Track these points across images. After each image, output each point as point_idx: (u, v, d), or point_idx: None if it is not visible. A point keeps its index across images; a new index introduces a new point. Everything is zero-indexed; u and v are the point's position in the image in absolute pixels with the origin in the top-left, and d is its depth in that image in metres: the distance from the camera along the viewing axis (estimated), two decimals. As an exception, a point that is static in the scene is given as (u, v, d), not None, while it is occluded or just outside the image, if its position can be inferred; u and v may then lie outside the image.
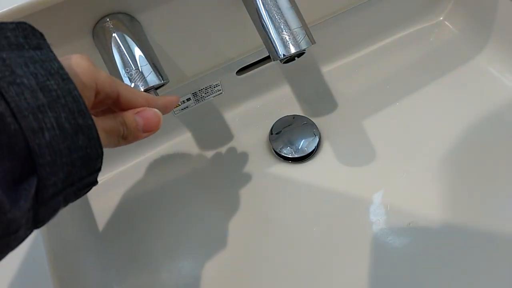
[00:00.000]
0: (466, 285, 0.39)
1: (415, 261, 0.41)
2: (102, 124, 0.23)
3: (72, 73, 0.21)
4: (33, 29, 0.21)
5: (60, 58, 0.21)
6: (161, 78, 0.33)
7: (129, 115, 0.25)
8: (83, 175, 0.20)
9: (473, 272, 0.40)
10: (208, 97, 0.49)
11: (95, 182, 0.22)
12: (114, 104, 0.25)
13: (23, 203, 0.18)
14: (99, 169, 0.21)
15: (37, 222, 0.20)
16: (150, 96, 0.28)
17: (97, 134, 0.20)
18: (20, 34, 0.20)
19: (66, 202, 0.21)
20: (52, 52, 0.21)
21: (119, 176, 0.50)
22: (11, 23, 0.20)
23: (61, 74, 0.20)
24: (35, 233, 0.36)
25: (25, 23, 0.20)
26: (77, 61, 0.22)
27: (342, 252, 0.43)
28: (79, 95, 0.20)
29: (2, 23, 0.19)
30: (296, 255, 0.43)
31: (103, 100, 0.24)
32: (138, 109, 0.26)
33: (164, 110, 0.29)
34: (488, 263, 0.40)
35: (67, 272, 0.38)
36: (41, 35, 0.21)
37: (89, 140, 0.20)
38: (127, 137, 0.25)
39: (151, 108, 0.27)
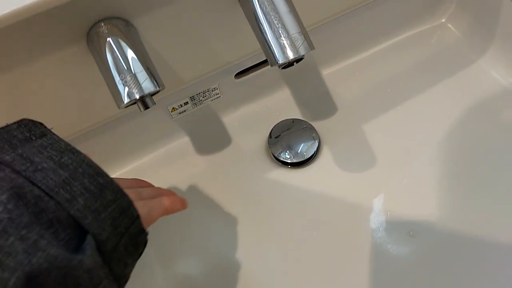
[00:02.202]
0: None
1: (415, 269, 0.41)
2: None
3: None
4: (33, 122, 0.25)
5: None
6: (156, 85, 0.32)
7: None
8: (127, 224, 0.24)
9: (474, 281, 0.39)
10: (206, 100, 0.49)
11: (143, 230, 0.26)
12: None
13: (90, 252, 0.21)
14: (138, 216, 0.25)
15: (117, 278, 0.23)
16: None
17: (119, 186, 0.24)
18: (24, 130, 0.24)
19: (129, 254, 0.25)
20: (55, 134, 0.25)
21: (116, 180, 0.49)
22: (14, 123, 0.24)
23: (70, 149, 0.23)
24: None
25: (24, 120, 0.25)
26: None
27: (341, 260, 0.42)
28: (90, 160, 0.24)
29: (7, 126, 0.24)
30: (294, 260, 0.43)
31: None
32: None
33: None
34: (490, 272, 0.40)
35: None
36: (41, 124, 0.25)
37: (115, 193, 0.23)
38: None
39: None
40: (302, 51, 0.33)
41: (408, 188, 0.45)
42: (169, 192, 0.36)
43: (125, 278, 0.25)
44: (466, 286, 0.39)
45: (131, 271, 0.25)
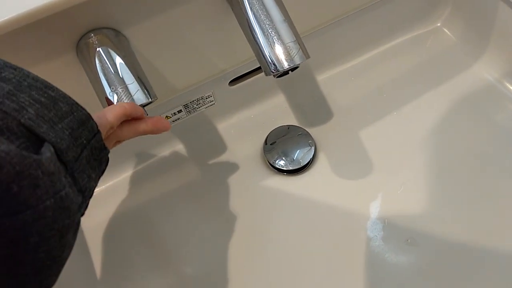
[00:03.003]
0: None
1: (414, 278, 0.40)
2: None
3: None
4: None
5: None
6: (148, 96, 0.32)
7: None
8: (88, 136, 0.23)
9: (473, 289, 0.39)
10: (200, 108, 0.48)
11: (104, 147, 0.24)
12: None
13: (48, 154, 0.19)
14: (98, 131, 0.24)
15: (81, 190, 0.22)
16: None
17: (74, 100, 0.22)
18: None
19: (92, 168, 0.23)
20: None
21: (109, 190, 0.48)
22: None
23: (11, 66, 0.21)
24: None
25: None
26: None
27: (337, 268, 0.42)
28: (36, 75, 0.21)
29: None
30: (290, 269, 0.42)
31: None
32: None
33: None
34: (490, 279, 0.39)
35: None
36: None
37: (70, 106, 0.22)
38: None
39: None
40: (297, 60, 0.33)
41: (406, 195, 0.45)
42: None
43: (89, 192, 0.23)
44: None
45: (94, 187, 0.24)
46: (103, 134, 0.26)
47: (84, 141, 0.22)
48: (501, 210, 0.43)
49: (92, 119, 0.23)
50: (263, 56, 0.33)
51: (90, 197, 0.24)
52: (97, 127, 0.24)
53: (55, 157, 0.20)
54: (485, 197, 0.44)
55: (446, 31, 0.55)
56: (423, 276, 0.40)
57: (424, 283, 0.40)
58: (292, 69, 0.35)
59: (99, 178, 0.25)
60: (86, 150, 0.23)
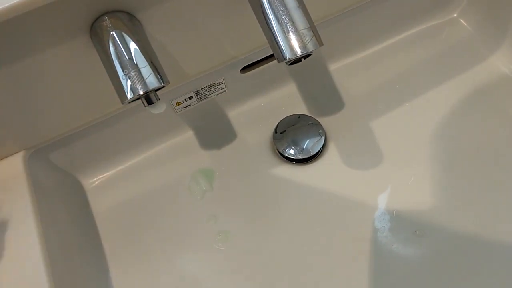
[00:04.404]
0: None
1: (421, 270, 0.40)
2: None
3: None
4: None
5: None
6: (161, 80, 0.32)
7: None
8: None
9: (482, 281, 0.39)
10: (211, 95, 0.48)
11: None
12: None
13: None
14: None
15: None
16: None
17: None
18: None
19: None
20: None
21: (119, 175, 0.49)
22: None
23: None
24: (31, 233, 0.36)
25: None
26: None
27: (345, 258, 0.42)
28: None
29: None
30: (298, 258, 0.42)
31: None
32: None
33: None
34: (498, 272, 0.39)
35: (65, 272, 0.37)
36: None
37: None
38: None
39: None
40: (310, 48, 0.32)
41: (415, 187, 0.44)
42: None
43: None
44: (473, 286, 0.39)
45: None
46: None
47: None
48: (510, 204, 0.42)
49: None
50: (276, 43, 0.33)
51: None
52: None
53: None
54: (495, 190, 0.43)
55: (463, 22, 0.54)
56: (430, 267, 0.40)
57: (431, 274, 0.40)
58: (305, 57, 0.35)
59: None
60: None
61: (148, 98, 0.33)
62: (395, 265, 0.40)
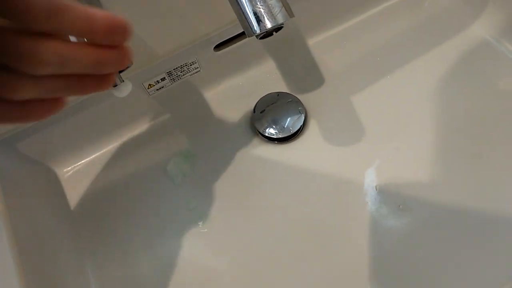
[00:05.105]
0: (457, 267, 0.38)
1: (407, 244, 0.39)
2: None
3: None
4: None
5: None
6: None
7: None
8: None
9: (469, 254, 0.38)
10: (185, 75, 0.46)
11: None
12: None
13: None
14: None
15: None
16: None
17: None
18: None
19: None
20: None
21: (94, 162, 0.47)
22: None
23: None
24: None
25: None
26: None
27: (331, 236, 0.41)
28: None
29: None
30: (282, 238, 0.41)
31: None
32: None
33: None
34: (484, 243, 0.39)
35: (39, 266, 0.36)
36: None
37: None
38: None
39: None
40: (280, 19, 0.31)
41: (399, 160, 0.43)
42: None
43: None
44: (458, 259, 0.38)
45: None
46: None
47: None
48: (496, 173, 0.41)
49: None
50: (244, 16, 0.31)
51: None
52: None
53: None
54: (480, 162, 0.42)
55: (444, -11, 0.52)
56: (417, 240, 0.39)
57: (418, 247, 0.39)
58: (276, 30, 0.33)
59: None
60: None
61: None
62: (381, 240, 0.40)
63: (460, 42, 0.49)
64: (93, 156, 0.47)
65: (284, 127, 0.46)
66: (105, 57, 0.18)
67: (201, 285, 0.40)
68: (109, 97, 0.43)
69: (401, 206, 0.41)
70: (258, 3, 0.31)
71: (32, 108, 0.19)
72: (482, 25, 0.49)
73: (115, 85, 0.31)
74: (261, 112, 0.47)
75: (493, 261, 0.37)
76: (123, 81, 0.31)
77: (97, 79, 0.19)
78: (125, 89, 0.32)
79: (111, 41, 0.18)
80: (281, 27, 0.32)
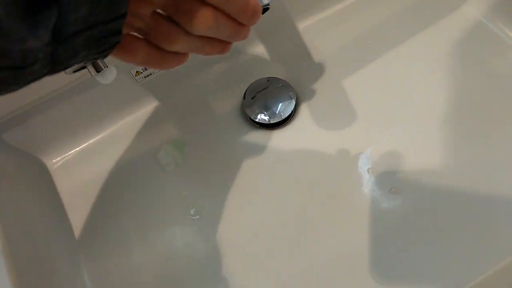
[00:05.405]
0: (446, 246, 0.38)
1: (400, 227, 0.39)
2: None
3: None
4: None
5: None
6: None
7: None
8: (107, 19, 0.18)
9: (461, 235, 0.38)
10: (173, 62, 0.45)
11: (119, 33, 0.19)
12: None
13: (42, 32, 0.16)
14: (124, 15, 0.18)
15: (56, 62, 0.18)
16: None
17: None
18: None
19: (87, 48, 0.19)
20: None
21: (84, 152, 0.47)
22: None
23: None
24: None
25: None
26: None
27: (323, 219, 0.41)
28: None
29: None
30: (275, 224, 0.41)
31: None
32: None
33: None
34: (472, 224, 0.39)
35: (30, 261, 0.36)
36: None
37: None
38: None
39: None
40: (265, 0, 0.30)
41: (392, 144, 0.43)
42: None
43: (65, 65, 0.19)
44: (448, 240, 0.38)
45: (78, 62, 0.20)
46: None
47: (98, 21, 0.18)
48: (488, 155, 0.41)
49: (127, 4, 0.18)
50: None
51: (63, 69, 0.20)
52: (125, 11, 0.18)
53: (49, 33, 0.16)
54: (474, 143, 0.42)
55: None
56: (410, 223, 0.39)
57: (412, 229, 0.39)
58: (263, 12, 0.32)
59: (89, 59, 0.20)
60: (92, 30, 0.18)
61: (95, 65, 0.30)
62: (375, 223, 0.40)
63: (451, 23, 0.49)
64: (83, 146, 0.47)
65: (275, 112, 0.45)
66: (240, 31, 0.24)
67: (194, 272, 0.40)
68: (96, 85, 0.42)
69: (393, 189, 0.41)
70: (243, -17, 0.30)
71: (171, 58, 0.24)
72: (473, 4, 0.49)
73: (99, 71, 0.30)
74: (252, 98, 0.46)
75: (486, 240, 0.37)
76: (107, 66, 0.30)
77: (222, 45, 0.25)
78: (109, 75, 0.31)
79: (250, 22, 0.24)
80: (267, 9, 0.32)
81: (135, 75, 0.43)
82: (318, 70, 0.48)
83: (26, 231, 0.38)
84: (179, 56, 0.24)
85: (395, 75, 0.47)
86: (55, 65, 0.18)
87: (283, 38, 0.50)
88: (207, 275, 0.40)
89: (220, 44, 0.25)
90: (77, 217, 0.43)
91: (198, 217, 0.42)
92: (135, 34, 0.23)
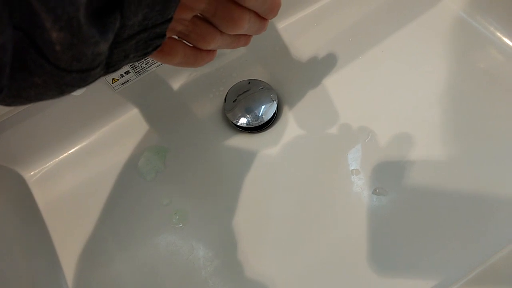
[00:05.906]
0: (434, 245, 0.37)
1: (385, 228, 0.39)
2: None
3: None
4: None
5: None
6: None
7: None
8: (157, 22, 0.19)
9: (452, 229, 0.38)
10: (150, 67, 0.44)
11: (164, 36, 0.21)
12: None
13: (110, 35, 0.17)
14: (171, 19, 0.20)
15: (109, 65, 0.19)
16: None
17: None
18: None
19: (136, 50, 0.20)
20: None
21: (62, 164, 0.45)
22: None
23: None
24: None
25: None
26: None
27: (309, 222, 0.40)
28: None
29: None
30: (261, 229, 0.41)
31: None
32: None
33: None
34: (457, 224, 0.38)
35: (9, 276, 0.35)
36: None
37: None
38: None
39: None
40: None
41: (375, 143, 0.43)
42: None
43: (116, 68, 0.20)
44: (442, 236, 0.38)
45: (125, 64, 0.21)
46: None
47: (150, 25, 0.19)
48: (475, 151, 0.41)
49: (175, 9, 0.19)
50: None
51: (114, 71, 0.20)
52: (172, 14, 0.19)
53: (113, 36, 0.17)
54: (457, 143, 0.42)
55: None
56: (395, 223, 0.39)
57: (399, 229, 0.39)
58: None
59: (137, 59, 0.21)
60: (143, 33, 0.19)
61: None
62: (359, 224, 0.39)
63: (432, 18, 0.48)
64: (61, 157, 0.46)
65: (257, 115, 0.45)
66: (264, 26, 0.26)
67: (179, 280, 0.39)
68: (72, 96, 0.41)
69: (377, 190, 0.41)
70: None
71: (204, 56, 0.25)
72: (453, 0, 0.48)
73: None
74: (233, 101, 0.46)
75: (478, 235, 0.37)
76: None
77: (246, 38, 0.28)
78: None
79: (272, 17, 0.26)
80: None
81: (112, 83, 0.42)
82: (299, 70, 0.47)
83: (4, 246, 0.37)
84: (210, 53, 0.26)
85: (377, 72, 0.46)
86: (108, 68, 0.19)
87: (262, 39, 0.49)
88: (191, 284, 0.39)
89: (244, 38, 0.28)
90: (57, 229, 0.42)
91: (181, 225, 0.41)
92: (174, 36, 0.24)
